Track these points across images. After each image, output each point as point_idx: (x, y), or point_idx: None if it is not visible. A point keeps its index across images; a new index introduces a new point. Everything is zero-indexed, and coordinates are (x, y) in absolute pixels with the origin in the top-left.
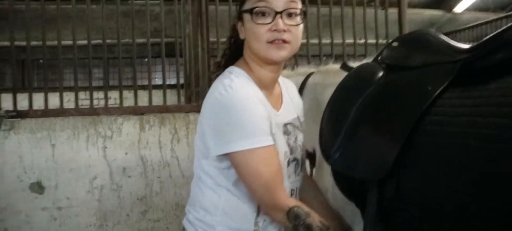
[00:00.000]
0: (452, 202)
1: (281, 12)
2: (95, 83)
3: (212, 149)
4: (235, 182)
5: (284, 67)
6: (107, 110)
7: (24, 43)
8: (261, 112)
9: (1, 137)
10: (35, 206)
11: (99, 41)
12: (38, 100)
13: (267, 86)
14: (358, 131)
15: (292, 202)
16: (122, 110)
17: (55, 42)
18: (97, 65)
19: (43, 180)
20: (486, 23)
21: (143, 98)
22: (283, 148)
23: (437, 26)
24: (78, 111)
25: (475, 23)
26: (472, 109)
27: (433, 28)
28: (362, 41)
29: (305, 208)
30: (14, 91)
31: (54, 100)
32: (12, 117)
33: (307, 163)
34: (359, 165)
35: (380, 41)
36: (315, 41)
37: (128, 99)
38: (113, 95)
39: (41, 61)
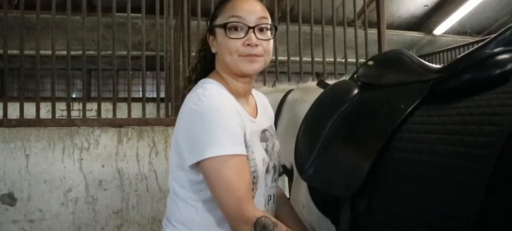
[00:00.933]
0: (420, 220)
1: (253, 27)
2: (77, 95)
3: (187, 159)
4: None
5: (264, 83)
6: (85, 122)
7: (1, 51)
8: (236, 122)
9: None
10: (5, 218)
11: (80, 52)
12: (17, 111)
13: (242, 97)
14: (332, 147)
15: (259, 212)
16: (100, 122)
17: (34, 52)
18: (79, 77)
19: (15, 191)
20: (464, 46)
21: (124, 111)
22: (261, 155)
23: (417, 47)
24: (54, 122)
25: (453, 46)
26: (442, 127)
27: (413, 50)
28: (343, 59)
29: (272, 219)
30: None
31: (32, 111)
32: None
33: (286, 178)
34: (332, 181)
35: (361, 60)
36: (296, 58)
37: (109, 111)
38: (94, 106)
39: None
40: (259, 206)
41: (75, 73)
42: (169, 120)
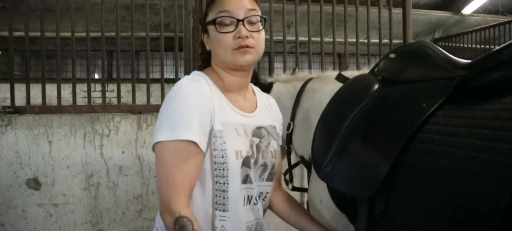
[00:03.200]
0: (437, 227)
1: (242, 20)
2: (99, 74)
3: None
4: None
5: (284, 65)
6: (105, 108)
7: (23, 33)
8: (197, 109)
9: None
10: (31, 201)
11: (100, 34)
12: (39, 91)
13: (237, 91)
14: (350, 145)
15: (186, 211)
16: (119, 109)
17: (55, 34)
18: (101, 57)
19: (39, 176)
20: (495, 26)
21: (144, 92)
22: (236, 147)
23: (444, 27)
24: (75, 109)
25: (483, 26)
26: (465, 130)
27: (439, 30)
28: (365, 40)
29: (195, 225)
30: (12, 86)
31: (54, 92)
32: (10, 112)
33: (305, 169)
34: (349, 181)
35: (384, 41)
36: (317, 39)
37: (130, 92)
38: (115, 87)
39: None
40: (234, 202)
41: (96, 54)
42: None
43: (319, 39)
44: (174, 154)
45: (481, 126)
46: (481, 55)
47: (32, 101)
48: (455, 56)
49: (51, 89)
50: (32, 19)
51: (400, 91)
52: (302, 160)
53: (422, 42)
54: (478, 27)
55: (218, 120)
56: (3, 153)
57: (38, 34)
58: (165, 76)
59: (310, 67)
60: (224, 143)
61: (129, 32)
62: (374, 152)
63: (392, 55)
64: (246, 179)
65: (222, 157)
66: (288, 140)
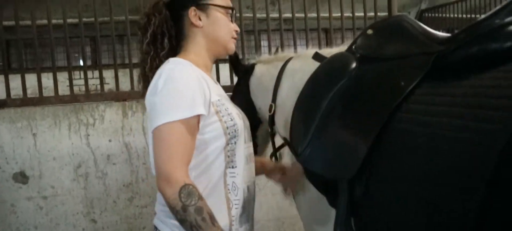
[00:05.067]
0: (415, 204)
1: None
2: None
3: (149, 134)
4: (202, 170)
5: (269, 42)
6: (88, 97)
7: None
8: (195, 86)
9: None
10: (20, 195)
11: (87, 20)
12: (19, 86)
13: (208, 71)
14: (328, 128)
15: (189, 180)
16: (103, 97)
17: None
18: (84, 44)
19: (26, 170)
20: None
21: (128, 78)
22: (236, 110)
23: None
24: (57, 99)
25: None
26: (444, 109)
27: (426, 0)
28: (350, 14)
29: (198, 191)
30: None
31: (35, 82)
32: None
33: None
34: (328, 164)
35: (369, 14)
36: (301, 15)
37: (111, 79)
38: (96, 75)
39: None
40: (241, 159)
41: (78, 41)
42: None
43: (303, 15)
44: (176, 132)
45: (460, 104)
46: (466, 25)
47: (13, 93)
48: (442, 27)
49: (33, 79)
50: (6, 6)
51: (378, 69)
52: (285, 142)
53: (400, 16)
54: None
55: (213, 92)
56: None
57: (13, 23)
58: None
59: (295, 44)
60: (227, 108)
61: (107, 17)
62: (353, 133)
63: (370, 31)
64: (245, 139)
65: (231, 119)
66: (270, 121)
